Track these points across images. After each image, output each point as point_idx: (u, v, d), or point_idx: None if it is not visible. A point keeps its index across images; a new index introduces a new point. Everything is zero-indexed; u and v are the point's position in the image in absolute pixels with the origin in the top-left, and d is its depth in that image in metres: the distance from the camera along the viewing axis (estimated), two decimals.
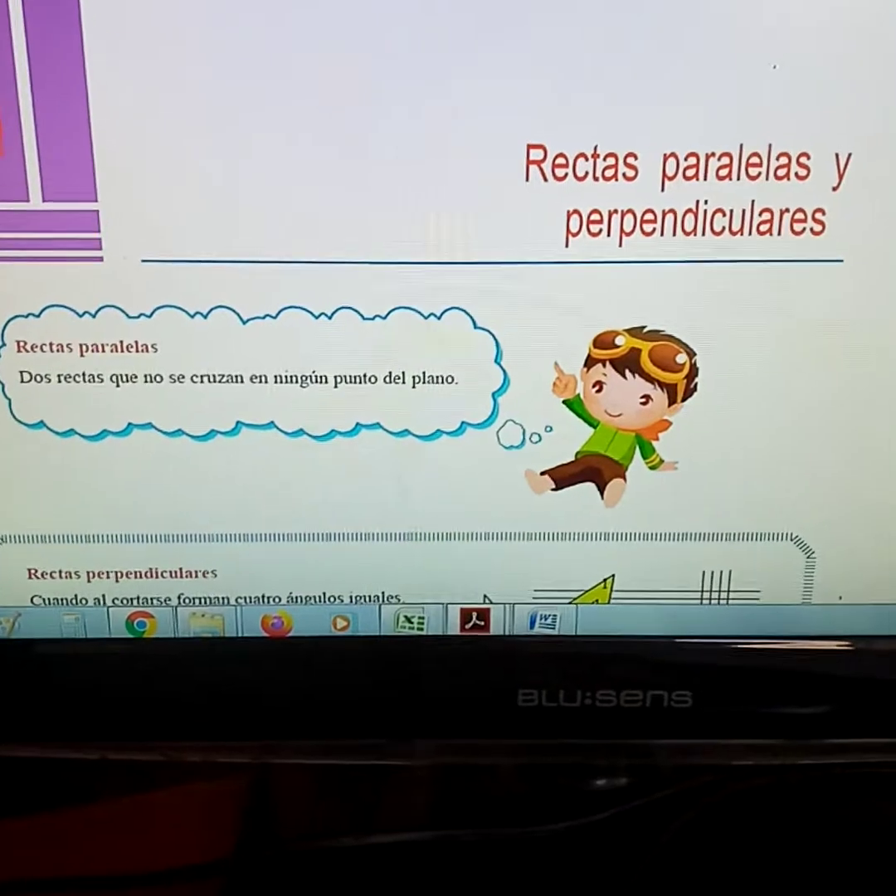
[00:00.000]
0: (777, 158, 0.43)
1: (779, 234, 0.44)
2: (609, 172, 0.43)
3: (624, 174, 0.43)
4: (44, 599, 0.49)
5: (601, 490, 0.48)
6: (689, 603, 0.50)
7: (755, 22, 0.41)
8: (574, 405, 0.46)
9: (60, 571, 0.49)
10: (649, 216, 0.43)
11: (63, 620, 0.50)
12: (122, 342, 0.45)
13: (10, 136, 0.42)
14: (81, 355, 0.45)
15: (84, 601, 0.50)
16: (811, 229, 0.44)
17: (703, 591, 0.50)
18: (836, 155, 0.43)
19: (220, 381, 0.46)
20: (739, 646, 0.50)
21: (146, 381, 0.46)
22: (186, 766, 0.54)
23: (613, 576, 0.49)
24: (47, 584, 0.49)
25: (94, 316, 0.45)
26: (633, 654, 0.51)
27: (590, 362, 0.46)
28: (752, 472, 0.48)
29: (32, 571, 0.49)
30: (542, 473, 0.48)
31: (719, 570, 0.49)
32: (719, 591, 0.49)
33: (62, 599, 0.50)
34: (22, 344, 0.45)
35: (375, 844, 0.56)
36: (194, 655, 0.51)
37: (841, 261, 0.44)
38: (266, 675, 0.51)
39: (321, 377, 0.46)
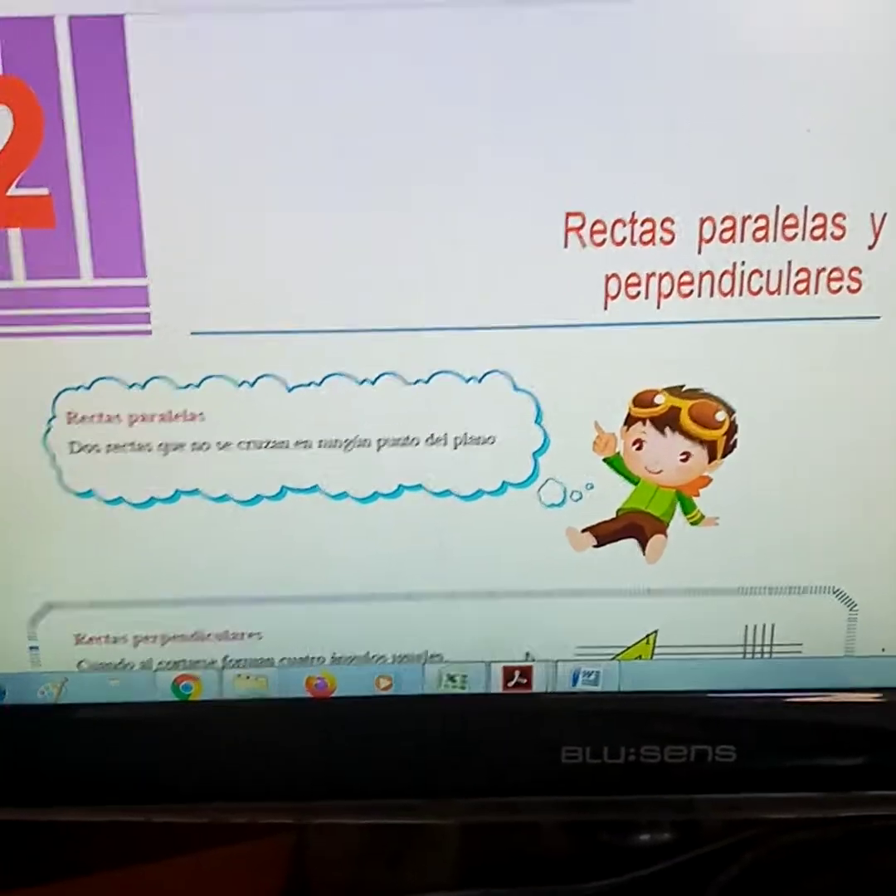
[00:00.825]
0: (813, 219, 0.43)
1: (816, 292, 0.44)
2: (647, 237, 0.43)
3: (661, 238, 0.43)
4: (91, 664, 0.50)
5: (643, 546, 0.48)
6: (732, 657, 0.50)
7: (789, 88, 0.42)
8: (614, 463, 0.47)
9: (108, 636, 0.49)
10: (686, 278, 0.44)
11: (109, 685, 0.50)
12: (170, 412, 0.46)
13: (61, 216, 0.43)
14: (130, 425, 0.46)
15: (130, 665, 0.50)
16: (848, 287, 0.44)
17: (745, 646, 0.50)
18: (872, 214, 0.43)
19: (265, 447, 0.46)
20: (782, 699, 0.50)
21: (193, 449, 0.46)
22: (230, 827, 0.54)
23: (656, 632, 0.50)
24: (94, 649, 0.49)
25: (142, 387, 0.45)
26: (677, 710, 0.51)
27: (630, 421, 0.46)
28: (792, 525, 0.48)
29: (80, 637, 0.49)
30: (584, 531, 0.48)
31: (762, 624, 0.49)
32: (762, 645, 0.50)
33: (109, 664, 0.50)
34: (72, 415, 0.46)
35: None
36: (239, 717, 0.51)
37: (878, 318, 0.45)
38: (310, 736, 0.51)
39: (364, 441, 0.46)
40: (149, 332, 0.44)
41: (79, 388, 0.45)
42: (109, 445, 0.46)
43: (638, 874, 0.54)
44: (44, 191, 0.43)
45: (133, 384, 0.45)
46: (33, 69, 0.41)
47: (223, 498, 0.47)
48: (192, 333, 0.45)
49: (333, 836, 0.56)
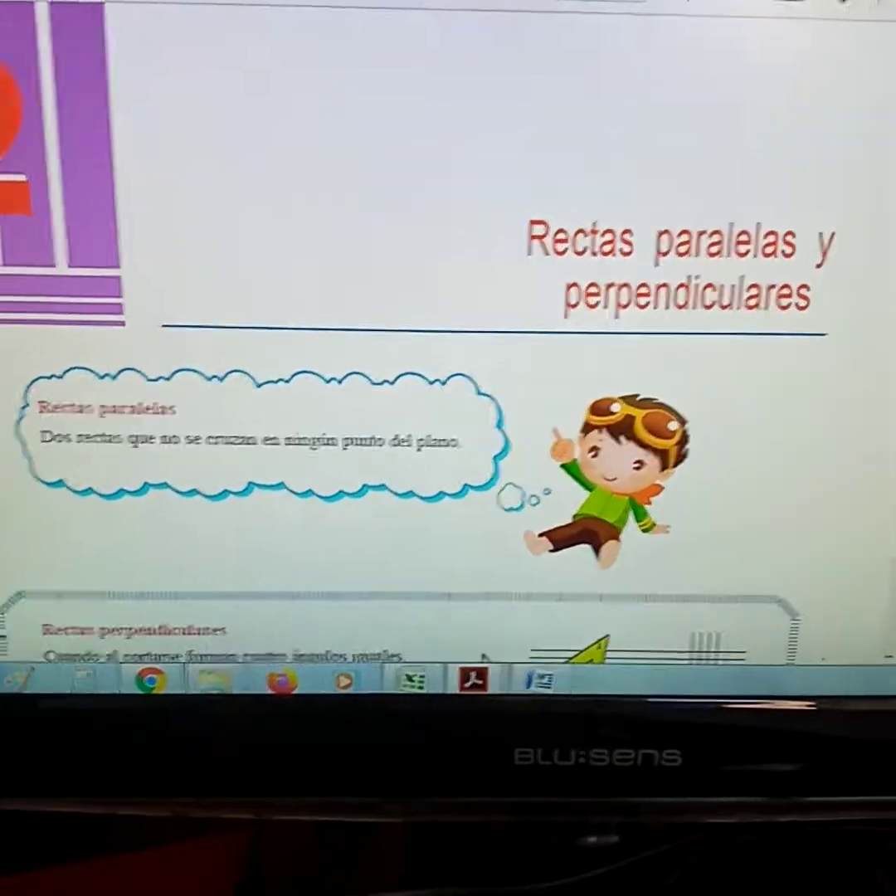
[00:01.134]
0: (765, 236, 0.45)
1: (766, 308, 0.46)
2: (607, 248, 0.45)
3: (621, 249, 0.45)
4: (57, 655, 0.50)
5: (596, 552, 0.49)
6: (680, 663, 0.51)
7: (742, 111, 0.44)
8: (571, 469, 0.48)
9: (75, 628, 0.50)
10: (644, 290, 0.45)
11: (75, 676, 0.51)
12: (140, 404, 0.46)
13: (37, 204, 0.44)
14: (101, 416, 0.47)
15: (97, 657, 0.50)
16: (796, 304, 0.46)
17: (692, 652, 0.51)
18: (821, 234, 0.45)
19: (234, 443, 0.47)
20: (727, 705, 0.51)
21: (163, 442, 0.47)
22: (191, 821, 0.54)
23: (608, 636, 0.51)
24: (62, 639, 0.50)
25: (114, 378, 0.46)
26: (626, 714, 0.52)
27: (587, 428, 0.48)
28: (739, 535, 0.49)
29: (48, 627, 0.50)
30: (541, 535, 0.49)
31: (708, 632, 0.50)
32: (708, 652, 0.51)
33: (75, 655, 0.50)
34: (44, 404, 0.46)
35: None
36: (202, 712, 0.51)
37: (825, 335, 0.46)
38: (271, 732, 0.52)
39: (331, 439, 0.47)
40: (122, 324, 0.45)
41: (51, 376, 0.46)
42: (80, 435, 0.47)
43: (586, 875, 0.55)
44: (21, 177, 0.44)
45: (105, 375, 0.46)
46: (13, 54, 0.42)
47: (191, 492, 0.48)
48: (164, 326, 0.45)
49: (289, 832, 0.57)
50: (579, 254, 0.45)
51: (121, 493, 0.48)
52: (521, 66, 0.43)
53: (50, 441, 0.47)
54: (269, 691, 0.51)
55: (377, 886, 0.56)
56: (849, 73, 0.43)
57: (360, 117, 0.43)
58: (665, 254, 0.45)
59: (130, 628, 0.50)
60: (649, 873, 0.55)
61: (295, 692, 0.52)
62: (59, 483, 0.48)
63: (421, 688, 0.52)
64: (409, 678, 0.51)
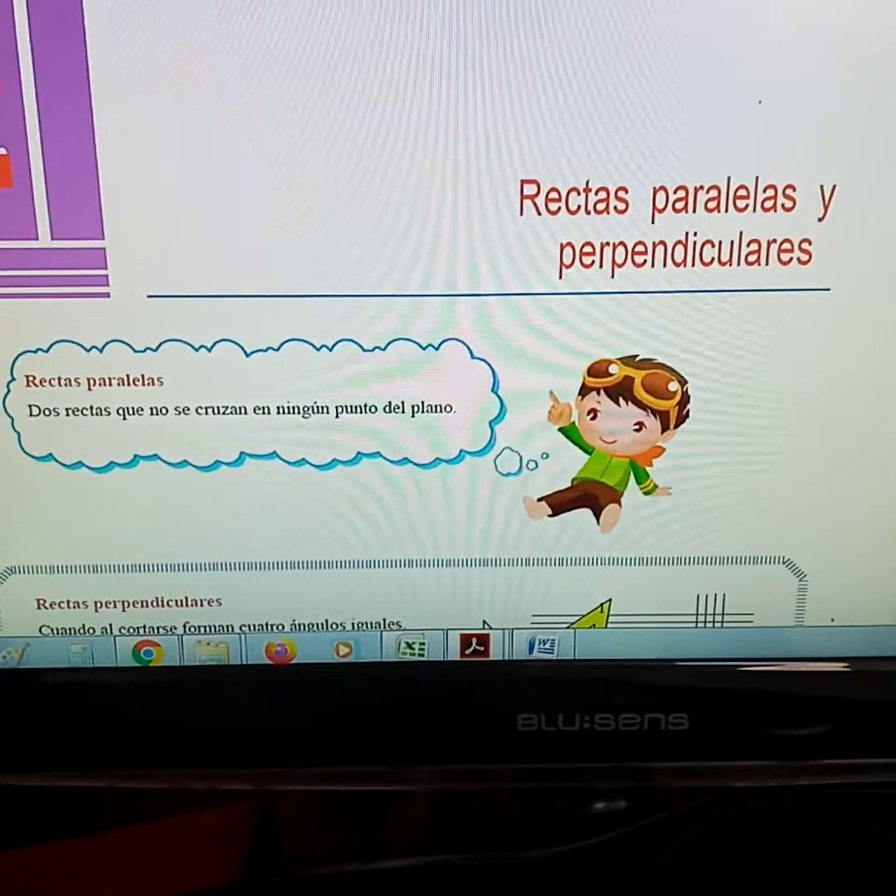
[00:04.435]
0: (764, 191, 0.44)
1: (767, 264, 0.45)
2: (601, 206, 0.44)
3: (615, 207, 0.44)
4: (52, 629, 0.50)
5: (597, 516, 0.49)
6: (685, 626, 0.51)
7: (740, 61, 0.42)
8: (569, 433, 0.47)
9: (69, 601, 0.50)
10: (640, 248, 0.45)
11: (71, 650, 0.51)
12: (128, 376, 0.46)
13: (19, 176, 0.43)
14: (89, 389, 0.46)
15: (92, 631, 0.50)
16: (798, 259, 0.45)
17: (697, 615, 0.50)
18: (821, 187, 0.44)
19: (224, 413, 0.47)
20: (734, 668, 0.51)
21: (152, 414, 0.47)
22: (192, 793, 0.54)
23: (610, 600, 0.50)
24: (56, 614, 0.50)
25: (101, 350, 0.46)
26: (630, 678, 0.51)
27: (584, 391, 0.47)
28: (743, 496, 0.48)
29: (41, 602, 0.50)
30: (539, 500, 0.49)
31: (713, 594, 0.50)
32: (714, 615, 0.50)
33: (70, 629, 0.50)
34: (31, 378, 0.46)
35: (378, 870, 0.56)
36: (200, 683, 0.51)
37: (828, 289, 0.45)
38: (270, 703, 0.52)
39: (323, 408, 0.47)
40: (107, 295, 0.45)
41: (37, 350, 0.46)
42: (69, 409, 0.46)
43: (593, 841, 0.55)
44: (1, 150, 0.43)
45: (92, 347, 0.46)
46: None
47: (182, 463, 0.47)
48: (150, 296, 0.45)
49: (294, 803, 0.56)
50: (573, 213, 0.44)
51: (111, 466, 0.47)
52: (506, 28, 0.42)
53: (38, 415, 0.47)
54: (268, 661, 0.51)
55: (383, 855, 0.56)
56: (847, 21, 0.42)
57: (346, 80, 0.42)
58: (661, 211, 0.44)
59: (125, 601, 0.50)
60: (658, 838, 0.54)
61: (293, 662, 0.51)
62: (49, 457, 0.47)
63: (422, 656, 0.51)
64: (410, 646, 0.51)
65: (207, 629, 0.51)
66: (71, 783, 0.53)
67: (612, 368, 0.46)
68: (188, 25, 0.42)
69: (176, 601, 0.50)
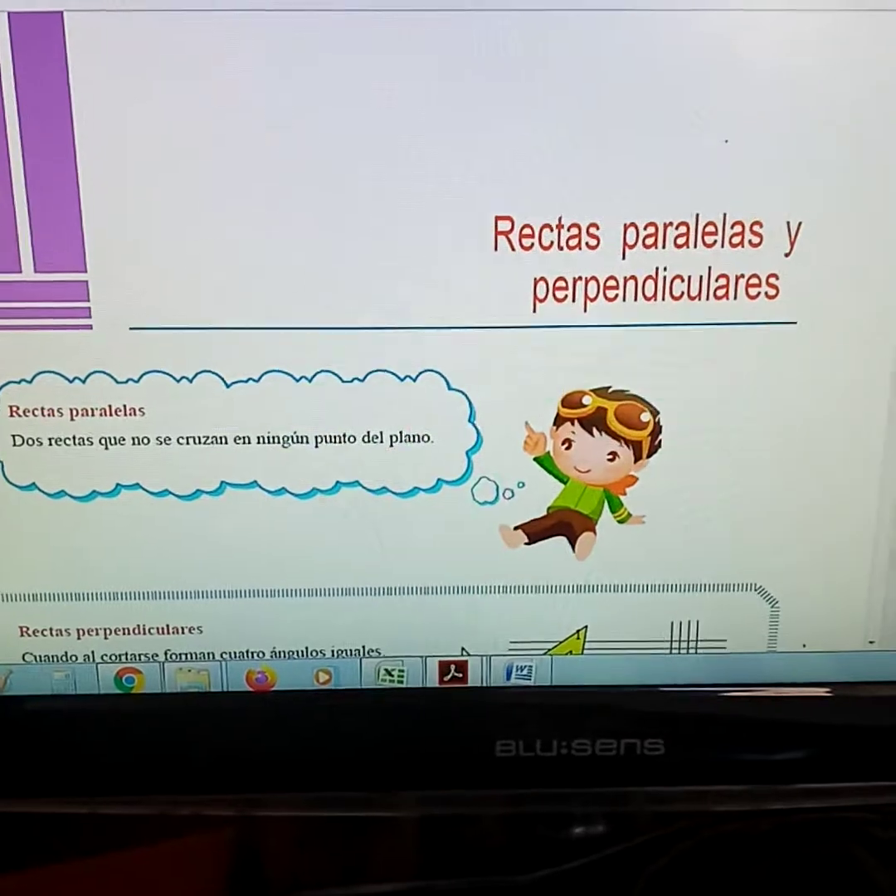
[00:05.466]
0: (732, 227, 0.45)
1: (735, 298, 0.46)
2: (573, 242, 0.45)
3: (587, 243, 0.45)
4: (35, 656, 0.50)
5: (572, 544, 0.49)
6: (659, 652, 0.51)
7: (707, 101, 0.43)
8: (545, 462, 0.48)
9: (51, 629, 0.50)
10: (612, 283, 0.45)
11: (53, 677, 0.51)
12: (110, 406, 0.46)
13: (2, 209, 0.44)
14: (72, 419, 0.47)
15: (74, 658, 0.51)
16: (765, 293, 0.46)
17: (672, 641, 0.51)
18: (788, 223, 0.45)
19: (205, 443, 0.47)
20: (708, 694, 0.51)
21: (134, 444, 0.47)
22: (175, 820, 0.54)
23: (586, 627, 0.51)
24: (38, 641, 0.50)
25: (83, 381, 0.46)
26: (606, 704, 0.52)
27: (559, 421, 0.47)
28: (715, 524, 0.49)
29: (24, 629, 0.50)
30: (516, 528, 0.49)
31: (687, 620, 0.51)
32: (688, 641, 0.51)
33: (53, 656, 0.50)
34: (14, 409, 0.46)
35: (361, 895, 0.56)
36: (181, 710, 0.51)
37: (795, 323, 0.46)
38: (251, 729, 0.52)
39: (302, 438, 0.47)
40: (89, 327, 0.45)
41: (21, 381, 0.46)
42: (52, 439, 0.47)
43: (571, 866, 0.55)
44: None
45: (74, 378, 0.46)
46: None
47: (163, 493, 0.48)
48: (132, 328, 0.45)
49: (277, 829, 0.57)
50: (546, 248, 0.45)
51: (93, 495, 0.48)
52: (479, 67, 0.43)
53: (21, 445, 0.47)
54: (248, 688, 0.51)
55: (365, 880, 0.56)
56: (813, 62, 0.43)
57: (324, 119, 0.43)
58: (632, 246, 0.45)
59: (107, 628, 0.50)
60: (635, 861, 0.55)
61: (274, 689, 0.51)
62: (32, 486, 0.48)
63: (400, 682, 0.52)
64: (389, 673, 0.51)
65: (188, 656, 0.51)
66: (52, 810, 0.53)
67: (586, 399, 0.47)
68: (171, 66, 0.43)
69: (157, 629, 0.50)
